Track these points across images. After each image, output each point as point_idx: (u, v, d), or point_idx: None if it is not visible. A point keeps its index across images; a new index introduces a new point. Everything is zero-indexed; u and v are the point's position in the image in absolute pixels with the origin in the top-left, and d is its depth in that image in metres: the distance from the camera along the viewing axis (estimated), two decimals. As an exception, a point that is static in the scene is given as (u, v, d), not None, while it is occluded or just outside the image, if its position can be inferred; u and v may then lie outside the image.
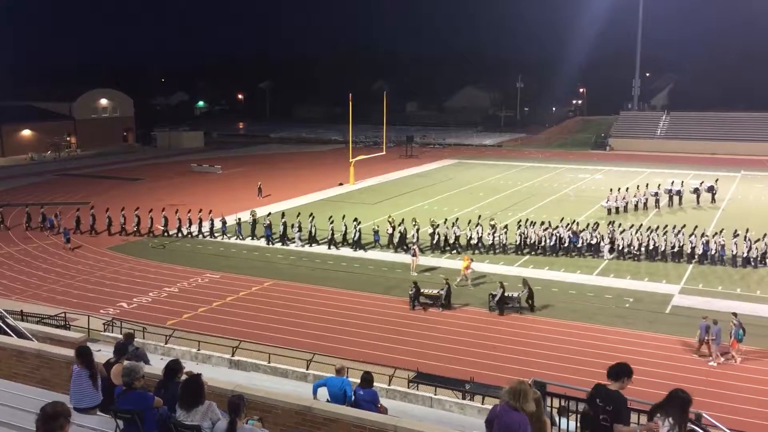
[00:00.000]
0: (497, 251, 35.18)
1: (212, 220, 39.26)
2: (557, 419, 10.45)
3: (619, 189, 46.22)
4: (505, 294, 26.89)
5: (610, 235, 34.43)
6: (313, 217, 38.08)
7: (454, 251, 35.41)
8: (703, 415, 9.12)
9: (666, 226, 35.04)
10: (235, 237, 38.51)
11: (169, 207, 42.38)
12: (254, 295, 29.45)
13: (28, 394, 9.34)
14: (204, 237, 38.95)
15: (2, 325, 12.97)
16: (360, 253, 35.52)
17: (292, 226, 37.42)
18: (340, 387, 11.98)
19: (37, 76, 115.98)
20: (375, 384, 12.60)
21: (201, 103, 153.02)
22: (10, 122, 78.97)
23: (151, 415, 7.78)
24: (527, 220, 37.12)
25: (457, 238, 35.77)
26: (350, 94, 59.64)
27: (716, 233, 34.24)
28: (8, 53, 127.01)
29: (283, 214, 39.29)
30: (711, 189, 47.70)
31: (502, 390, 6.99)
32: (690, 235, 33.72)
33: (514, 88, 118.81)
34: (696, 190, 47.46)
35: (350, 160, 58.36)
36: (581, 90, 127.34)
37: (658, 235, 33.96)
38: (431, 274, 31.72)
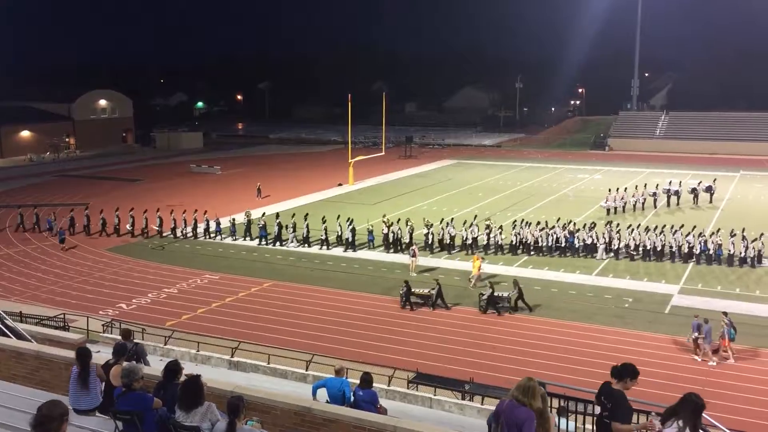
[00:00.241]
0: (492, 251, 35.16)
1: (207, 221, 39.29)
2: (557, 419, 10.47)
3: (617, 189, 46.23)
4: (495, 294, 26.92)
5: (604, 235, 34.48)
6: (308, 216, 38.16)
7: (453, 251, 35.43)
8: (703, 415, 9.11)
9: (665, 225, 35.05)
10: (231, 237, 38.53)
11: (165, 208, 42.35)
12: (253, 296, 29.44)
13: (28, 396, 9.34)
14: (198, 237, 38.99)
15: (1, 326, 12.97)
16: (359, 254, 35.52)
17: (287, 226, 37.47)
18: (339, 388, 11.99)
19: (36, 76, 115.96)
20: (374, 384, 12.61)
21: (200, 103, 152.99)
22: (9, 123, 78.94)
23: (150, 416, 7.78)
24: (522, 220, 37.18)
25: (452, 238, 35.79)
26: (349, 95, 59.65)
27: (713, 233, 34.26)
28: (7, 54, 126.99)
29: (277, 215, 39.34)
30: (709, 189, 47.73)
31: (510, 390, 7.05)
32: (687, 235, 33.76)
33: (513, 88, 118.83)
34: (694, 190, 47.50)
35: (349, 161, 58.36)
36: (580, 90, 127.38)
37: (655, 235, 33.99)
38: (430, 275, 31.72)
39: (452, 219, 37.51)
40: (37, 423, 5.67)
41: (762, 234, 33.23)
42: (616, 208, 44.32)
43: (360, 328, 25.55)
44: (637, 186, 48.71)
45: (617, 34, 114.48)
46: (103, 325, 24.21)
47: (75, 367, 8.87)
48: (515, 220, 37.47)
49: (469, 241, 35.40)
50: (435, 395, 18.65)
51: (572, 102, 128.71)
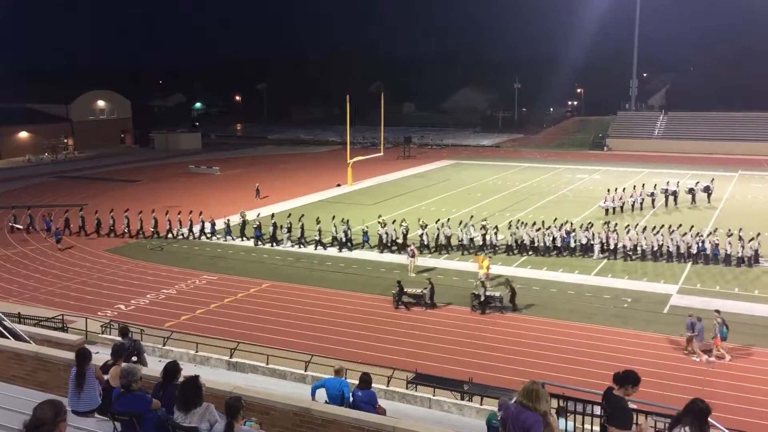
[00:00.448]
0: (487, 252, 35.18)
1: (202, 222, 39.34)
2: (555, 420, 10.46)
3: (616, 189, 46.24)
4: (487, 294, 26.94)
5: (600, 235, 34.54)
6: (303, 216, 38.20)
7: (449, 252, 35.46)
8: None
9: (662, 225, 35.08)
10: (224, 238, 38.56)
11: (162, 209, 42.23)
12: (252, 296, 29.43)
13: (26, 397, 9.33)
14: (194, 238, 39.01)
15: (0, 327, 12.95)
16: (357, 254, 35.51)
17: (281, 227, 37.50)
18: (338, 388, 11.99)
19: (35, 77, 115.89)
20: (373, 385, 12.60)
21: (199, 104, 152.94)
22: (7, 124, 78.91)
23: (149, 417, 7.78)
24: (518, 220, 37.20)
25: (447, 238, 35.81)
26: (347, 95, 59.66)
27: (710, 233, 34.30)
28: (5, 54, 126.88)
29: (272, 215, 39.33)
30: (707, 189, 47.77)
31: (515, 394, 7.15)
32: (684, 235, 33.81)
33: (511, 89, 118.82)
34: (691, 190, 47.56)
35: (348, 161, 58.36)
36: (579, 90, 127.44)
37: (652, 234, 34.03)
38: (429, 275, 31.70)
39: (448, 219, 37.54)
40: (30, 427, 5.62)
41: (759, 234, 33.27)
42: (614, 209, 44.34)
43: (358, 328, 25.54)
44: (635, 186, 48.74)
45: (616, 34, 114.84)
46: (101, 326, 24.19)
47: (74, 368, 8.87)
48: (511, 221, 37.48)
49: (465, 242, 35.43)
50: (434, 396, 18.65)
51: (569, 103, 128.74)
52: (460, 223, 36.59)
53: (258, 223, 37.94)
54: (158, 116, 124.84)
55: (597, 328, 25.46)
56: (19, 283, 31.52)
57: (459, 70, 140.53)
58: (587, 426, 10.17)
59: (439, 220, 37.25)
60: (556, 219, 36.93)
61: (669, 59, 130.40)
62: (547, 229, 35.30)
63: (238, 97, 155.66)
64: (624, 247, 34.03)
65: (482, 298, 26.84)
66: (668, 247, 33.67)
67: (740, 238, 32.90)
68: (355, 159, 59.53)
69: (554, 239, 34.77)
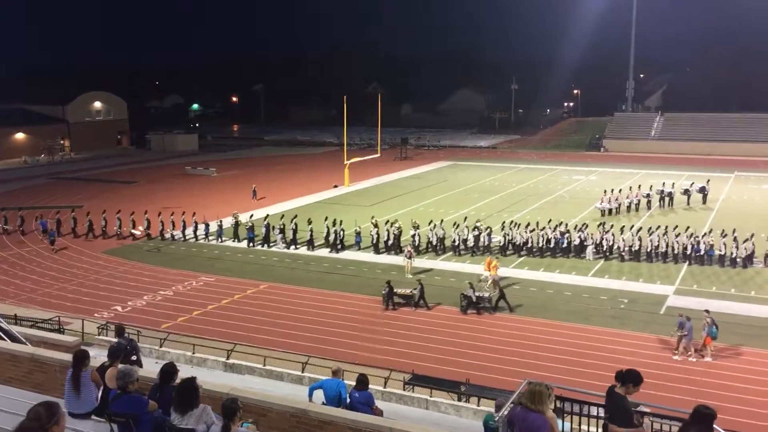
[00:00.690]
0: (482, 253, 35.21)
1: (195, 223, 39.32)
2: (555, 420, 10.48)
3: (612, 190, 46.33)
4: (477, 294, 26.98)
5: (593, 236, 34.63)
6: (296, 217, 38.24)
7: (443, 253, 35.50)
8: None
9: (658, 227, 35.13)
10: (217, 239, 38.59)
11: (155, 210, 42.12)
12: (249, 298, 29.40)
13: (22, 398, 9.30)
14: (184, 240, 38.99)
15: (-4, 329, 12.93)
16: (353, 256, 35.50)
17: (274, 228, 37.51)
18: (336, 389, 11.99)
19: (31, 78, 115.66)
20: (370, 386, 12.61)
21: (195, 105, 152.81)
22: (4, 125, 78.77)
23: (145, 419, 7.76)
24: (511, 221, 37.27)
25: (441, 239, 35.83)
26: (344, 97, 59.65)
27: (705, 234, 34.36)
28: (1, 55, 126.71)
29: (266, 216, 39.34)
30: (702, 190, 47.87)
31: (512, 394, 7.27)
32: (677, 236, 33.89)
33: (508, 90, 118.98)
34: (686, 191, 47.65)
35: (345, 162, 58.36)
36: (575, 91, 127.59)
37: (647, 235, 34.14)
38: (426, 276, 31.73)
39: (441, 221, 37.57)
40: (22, 429, 5.57)
41: (752, 234, 33.36)
42: (611, 210, 44.41)
43: (355, 329, 25.53)
44: (631, 187, 48.77)
45: (612, 35, 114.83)
46: (98, 328, 24.15)
47: (70, 369, 8.85)
48: (504, 222, 37.53)
49: (457, 243, 35.47)
50: (431, 397, 18.65)
51: (565, 104, 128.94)
52: (454, 224, 36.64)
53: (251, 225, 37.97)
54: (155, 117, 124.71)
55: (594, 329, 25.48)
56: (15, 284, 31.45)
57: (456, 71, 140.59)
58: (584, 427, 10.18)
59: (431, 221, 37.28)
60: (550, 220, 36.99)
61: (666, 60, 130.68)
62: (542, 230, 35.37)
63: (234, 98, 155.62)
64: (617, 248, 34.09)
65: (473, 299, 26.86)
66: (663, 248, 33.73)
67: (734, 239, 32.99)
68: (353, 160, 59.54)
69: (548, 240, 34.84)
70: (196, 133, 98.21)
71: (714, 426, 7.20)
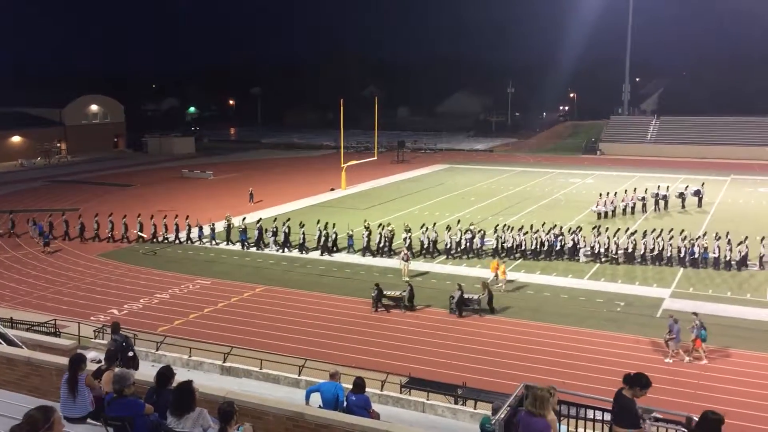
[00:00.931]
0: (474, 256, 35.23)
1: (189, 227, 39.33)
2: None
3: (608, 193, 46.40)
4: (464, 296, 27.00)
5: (585, 239, 34.69)
6: (289, 220, 38.27)
7: (435, 255, 35.54)
8: (693, 418, 9.15)
9: (654, 230, 35.20)
10: (210, 242, 38.58)
11: (151, 214, 41.95)
12: (246, 301, 29.37)
13: (18, 402, 9.27)
14: (179, 243, 38.99)
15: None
16: (351, 259, 35.50)
17: (266, 230, 37.51)
18: (333, 392, 11.97)
19: (27, 81, 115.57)
20: (367, 389, 12.59)
21: (192, 108, 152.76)
22: (0, 128, 78.54)
23: (141, 422, 7.74)
24: (504, 224, 37.32)
25: (433, 242, 35.85)
26: (341, 100, 59.66)
27: (699, 236, 34.45)
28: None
29: (259, 219, 39.31)
30: (697, 193, 47.99)
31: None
32: (671, 239, 33.95)
33: (504, 93, 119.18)
34: (681, 195, 47.75)
35: (342, 165, 58.36)
36: (572, 95, 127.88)
37: (641, 239, 34.20)
38: (423, 279, 31.75)
39: (434, 224, 37.61)
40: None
41: (746, 237, 33.45)
42: (606, 213, 44.48)
43: (352, 332, 25.51)
44: (626, 190, 48.89)
45: (608, 39, 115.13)
46: (94, 331, 24.10)
47: (66, 373, 8.82)
48: (497, 225, 37.58)
49: (450, 246, 35.49)
50: (428, 400, 18.64)
51: (561, 107, 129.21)
52: (447, 227, 36.69)
53: (243, 227, 37.99)
54: (151, 120, 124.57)
55: (590, 332, 25.50)
56: (11, 287, 31.36)
57: (453, 74, 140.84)
58: (580, 430, 10.18)
59: (423, 224, 37.31)
60: (544, 223, 37.07)
61: (662, 64, 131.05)
62: (535, 232, 35.45)
63: (231, 102, 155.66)
64: (609, 250, 34.16)
65: (456, 299, 26.94)
66: (657, 251, 33.79)
67: (728, 242, 33.07)
68: (349, 163, 59.53)
69: (542, 243, 34.91)
70: (196, 136, 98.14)
71: (694, 418, 7.26)
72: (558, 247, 34.77)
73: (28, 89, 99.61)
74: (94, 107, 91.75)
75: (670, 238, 34.03)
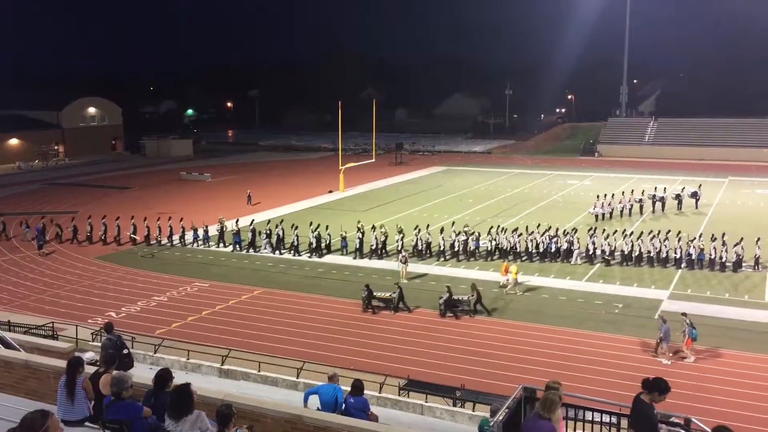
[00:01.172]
0: (468, 258, 35.20)
1: (183, 229, 39.31)
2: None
3: (605, 195, 46.42)
4: (453, 297, 27.01)
5: (579, 241, 34.74)
6: (282, 222, 38.25)
7: (427, 257, 35.54)
8: (692, 419, 9.16)
9: (651, 231, 35.25)
10: (204, 245, 38.60)
11: (142, 216, 41.95)
12: (244, 303, 29.34)
13: (16, 405, 9.25)
14: (171, 245, 38.98)
15: (-11, 335, 12.87)
16: (350, 261, 35.47)
17: (260, 233, 37.50)
18: (332, 394, 11.95)
19: (25, 84, 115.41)
20: (365, 392, 12.57)
21: (190, 111, 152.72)
22: (-3, 131, 78.57)
23: (139, 425, 7.73)
24: (498, 226, 37.37)
25: (428, 244, 35.83)
26: (339, 102, 59.66)
27: (694, 238, 34.48)
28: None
29: (252, 221, 39.30)
30: (694, 194, 48.04)
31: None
32: (665, 240, 33.99)
33: (502, 95, 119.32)
34: (678, 196, 47.80)
35: (340, 168, 58.36)
36: (569, 97, 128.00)
37: (638, 240, 34.24)
38: (421, 281, 31.75)
39: (428, 226, 37.62)
40: None
41: (742, 239, 33.49)
42: (604, 215, 44.50)
43: (350, 335, 25.50)
44: (624, 192, 48.92)
45: (606, 40, 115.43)
46: (92, 334, 24.04)
47: (63, 376, 8.80)
48: (491, 227, 37.59)
49: (443, 248, 35.46)
50: (426, 402, 18.61)
51: (557, 110, 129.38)
52: (442, 230, 36.70)
53: (236, 230, 37.96)
54: (149, 122, 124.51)
55: (589, 333, 25.50)
56: (8, 290, 31.31)
57: (451, 76, 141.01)
58: (579, 431, 10.18)
59: (417, 226, 37.33)
60: (539, 225, 37.09)
61: (659, 66, 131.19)
62: (530, 234, 35.47)
63: (229, 104, 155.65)
64: (603, 252, 34.20)
65: (444, 300, 26.99)
66: (654, 252, 33.82)
67: (724, 243, 33.11)
68: (347, 165, 59.54)
69: (537, 244, 34.94)
70: (194, 138, 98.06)
71: (694, 420, 7.24)
72: (553, 249, 34.79)
73: (27, 90, 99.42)
74: (91, 110, 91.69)
75: (666, 240, 34.05)
